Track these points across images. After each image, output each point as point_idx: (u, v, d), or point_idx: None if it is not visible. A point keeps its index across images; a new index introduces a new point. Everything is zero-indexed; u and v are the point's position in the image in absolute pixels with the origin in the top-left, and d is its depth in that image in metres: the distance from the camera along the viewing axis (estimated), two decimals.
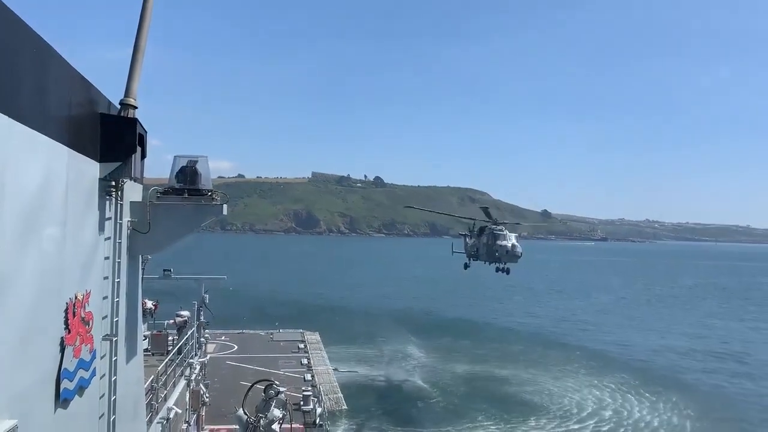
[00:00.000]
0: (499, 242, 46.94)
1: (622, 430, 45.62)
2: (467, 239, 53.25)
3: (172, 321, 27.95)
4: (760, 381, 62.02)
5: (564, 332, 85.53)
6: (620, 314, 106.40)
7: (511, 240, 47.26)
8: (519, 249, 46.94)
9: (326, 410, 34.23)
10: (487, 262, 49.33)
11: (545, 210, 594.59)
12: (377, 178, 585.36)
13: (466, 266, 52.57)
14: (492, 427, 44.94)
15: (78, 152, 9.52)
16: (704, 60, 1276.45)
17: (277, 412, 18.53)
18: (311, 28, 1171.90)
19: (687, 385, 58.24)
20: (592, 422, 46.72)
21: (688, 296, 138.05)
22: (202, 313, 27.94)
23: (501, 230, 47.91)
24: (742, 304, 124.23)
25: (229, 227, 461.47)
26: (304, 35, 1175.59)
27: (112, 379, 11.20)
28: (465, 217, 55.21)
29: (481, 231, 50.12)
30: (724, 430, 46.87)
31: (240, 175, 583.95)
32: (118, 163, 10.78)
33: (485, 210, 52.01)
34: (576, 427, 45.73)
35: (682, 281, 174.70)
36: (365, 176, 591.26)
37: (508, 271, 48.93)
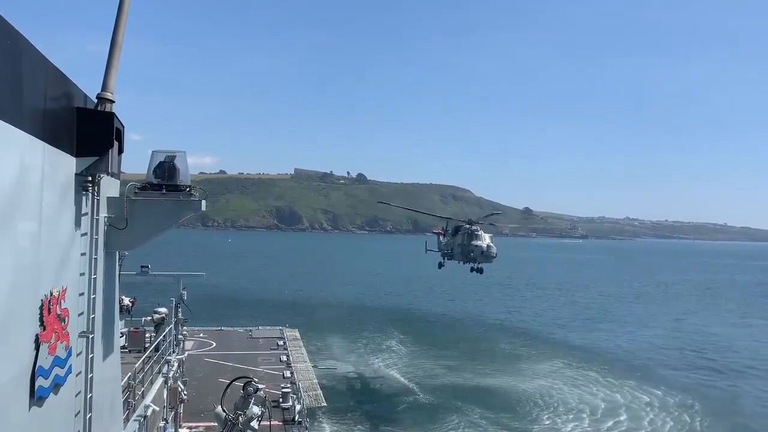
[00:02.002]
0: (474, 242, 46.97)
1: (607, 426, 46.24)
2: (441, 237, 53.26)
3: (149, 318, 27.68)
4: (737, 377, 63.41)
5: (557, 329, 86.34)
6: (619, 311, 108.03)
7: (486, 240, 47.29)
8: (494, 249, 47.06)
9: (305, 407, 34.11)
10: (461, 262, 49.26)
11: (527, 207, 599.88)
12: (360, 175, 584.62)
13: (440, 266, 52.35)
14: (472, 423, 45.24)
15: (53, 146, 9.41)
16: (683, 59, 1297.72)
17: (256, 410, 18.48)
18: (294, 23, 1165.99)
19: (680, 383, 59.21)
20: (576, 419, 47.27)
21: (682, 293, 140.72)
22: (180, 309, 27.74)
23: (476, 230, 47.93)
24: (723, 302, 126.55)
25: (210, 223, 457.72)
26: (287, 30, 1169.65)
27: (89, 376, 11.10)
28: (444, 216, 55.23)
29: (456, 230, 50.03)
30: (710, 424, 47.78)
31: (222, 171, 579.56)
32: (95, 158, 10.68)
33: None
34: (560, 424, 46.18)
35: (679, 278, 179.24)
36: (348, 173, 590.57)
37: (481, 271, 49.05)
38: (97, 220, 11.42)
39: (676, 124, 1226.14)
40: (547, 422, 46.36)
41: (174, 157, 13.73)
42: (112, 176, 12.13)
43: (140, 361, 20.37)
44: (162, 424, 23.20)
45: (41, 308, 8.98)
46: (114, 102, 11.37)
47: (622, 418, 47.74)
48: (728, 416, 50.08)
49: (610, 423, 46.74)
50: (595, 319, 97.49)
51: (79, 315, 10.77)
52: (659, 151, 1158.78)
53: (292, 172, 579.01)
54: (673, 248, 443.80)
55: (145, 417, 18.91)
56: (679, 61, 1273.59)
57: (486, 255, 46.71)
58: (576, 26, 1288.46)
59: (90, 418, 11.08)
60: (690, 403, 52.30)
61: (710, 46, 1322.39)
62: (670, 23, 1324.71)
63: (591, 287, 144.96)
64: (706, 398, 54.42)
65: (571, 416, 47.65)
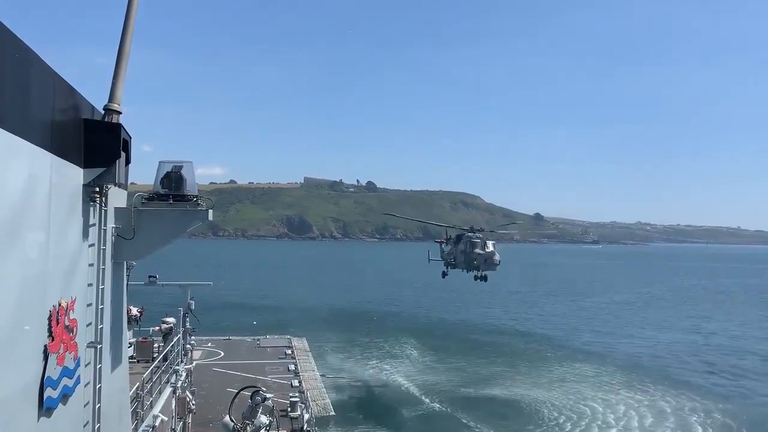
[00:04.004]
0: (477, 250, 46.57)
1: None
2: (443, 246, 52.93)
3: (157, 328, 27.76)
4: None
5: (575, 335, 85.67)
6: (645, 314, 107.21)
7: (488, 248, 46.93)
8: (497, 257, 46.72)
9: (314, 416, 33.97)
10: (465, 270, 48.87)
11: (537, 213, 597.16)
12: (369, 183, 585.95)
13: (444, 275, 51.90)
14: None
15: (61, 158, 9.49)
16: (694, 64, 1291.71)
17: (264, 419, 18.47)
18: (303, 32, 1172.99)
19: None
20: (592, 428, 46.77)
21: (697, 297, 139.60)
22: (187, 319, 27.80)
23: (478, 238, 47.57)
24: (738, 306, 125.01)
25: (221, 233, 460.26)
26: (295, 40, 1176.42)
27: (97, 386, 11.14)
28: (449, 225, 54.89)
29: (458, 239, 49.73)
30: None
31: (232, 181, 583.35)
32: (102, 169, 10.77)
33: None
34: None
35: (693, 282, 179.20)
36: (357, 181, 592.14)
37: (485, 279, 48.69)
38: (105, 230, 11.49)
39: (687, 127, 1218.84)
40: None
41: (181, 167, 13.81)
42: (119, 187, 12.22)
43: (148, 371, 20.38)
44: None
45: (49, 319, 9.03)
46: (121, 113, 11.47)
47: (639, 424, 47.20)
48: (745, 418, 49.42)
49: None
50: (612, 325, 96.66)
51: (88, 325, 10.82)
52: (671, 154, 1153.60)
53: (302, 181, 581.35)
54: (686, 252, 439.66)
55: (153, 427, 18.91)
56: (689, 66, 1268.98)
57: (489, 263, 46.31)
58: (586, 33, 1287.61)
59: (98, 428, 11.11)
60: (708, 407, 51.71)
61: (722, 51, 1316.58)
62: (680, 29, 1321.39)
63: (612, 292, 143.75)
64: (723, 401, 53.78)
65: (587, 426, 47.09)
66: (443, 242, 53.24)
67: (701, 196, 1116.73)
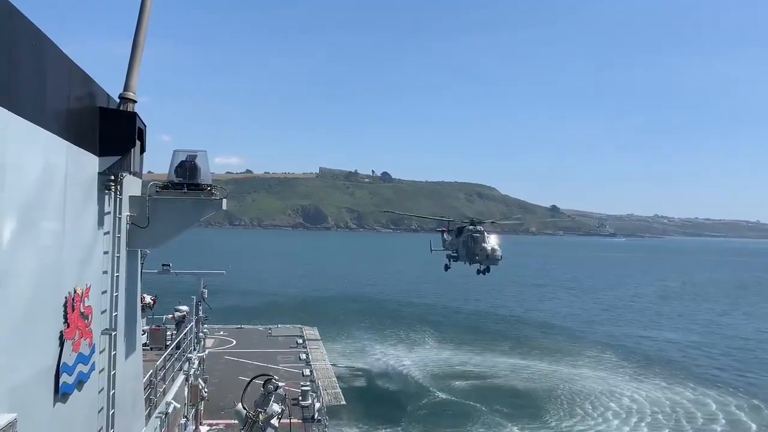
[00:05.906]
0: (479, 245, 46.34)
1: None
2: (445, 235, 52.65)
3: (170, 316, 27.85)
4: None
5: (591, 328, 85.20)
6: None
7: (491, 243, 46.65)
8: (499, 252, 46.52)
9: (325, 405, 34.16)
10: (467, 263, 48.61)
11: (554, 205, 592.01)
12: (385, 174, 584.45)
13: (446, 268, 51.56)
14: (494, 423, 44.78)
15: (77, 146, 9.55)
16: (713, 54, 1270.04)
17: (275, 407, 18.46)
18: (319, 22, 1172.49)
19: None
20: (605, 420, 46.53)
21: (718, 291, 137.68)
22: (200, 307, 27.92)
23: (480, 232, 47.27)
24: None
25: (237, 222, 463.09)
26: (311, 30, 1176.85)
27: (111, 373, 11.26)
28: (438, 217, 54.71)
29: (460, 232, 49.42)
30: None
31: (248, 171, 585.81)
32: (117, 157, 10.81)
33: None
34: (586, 425, 45.50)
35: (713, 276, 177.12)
36: (373, 171, 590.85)
37: (488, 270, 48.43)
38: (120, 218, 11.58)
39: (705, 119, 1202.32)
40: (574, 423, 45.66)
41: (195, 156, 13.79)
42: (134, 175, 12.29)
43: (161, 358, 20.48)
44: (183, 421, 23.39)
45: (65, 306, 9.13)
46: (136, 102, 11.51)
47: (655, 418, 46.94)
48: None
49: (640, 423, 45.98)
50: (631, 318, 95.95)
51: (102, 313, 10.93)
52: (689, 147, 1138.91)
53: (317, 171, 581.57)
54: (704, 246, 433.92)
55: (166, 414, 19.08)
56: (707, 57, 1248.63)
57: (491, 258, 46.14)
58: (602, 23, 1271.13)
59: (113, 414, 11.24)
60: (728, 401, 51.26)
61: (739, 42, 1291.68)
62: (695, 19, 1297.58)
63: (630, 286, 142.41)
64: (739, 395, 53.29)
65: (599, 417, 46.86)
66: (444, 231, 52.99)
67: (720, 190, 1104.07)
